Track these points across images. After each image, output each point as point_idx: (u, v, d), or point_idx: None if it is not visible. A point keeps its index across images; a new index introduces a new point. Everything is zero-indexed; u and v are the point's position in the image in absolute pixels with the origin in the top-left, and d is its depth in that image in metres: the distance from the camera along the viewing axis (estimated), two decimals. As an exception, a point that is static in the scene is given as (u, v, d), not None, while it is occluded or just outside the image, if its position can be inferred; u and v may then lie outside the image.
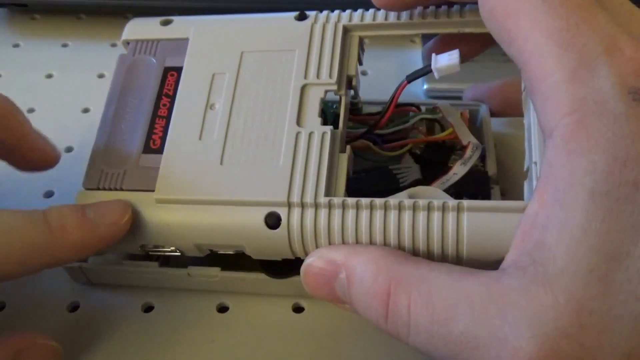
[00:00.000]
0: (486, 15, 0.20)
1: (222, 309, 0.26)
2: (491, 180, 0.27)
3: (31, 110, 0.36)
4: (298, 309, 0.26)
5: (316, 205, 0.21)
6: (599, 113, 0.17)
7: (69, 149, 0.33)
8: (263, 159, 0.22)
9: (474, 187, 0.26)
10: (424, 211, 0.20)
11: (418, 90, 0.35)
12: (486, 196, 0.26)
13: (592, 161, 0.17)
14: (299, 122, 0.23)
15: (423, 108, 0.29)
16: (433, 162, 0.28)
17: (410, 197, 0.22)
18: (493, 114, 0.29)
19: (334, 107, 0.28)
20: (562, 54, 0.18)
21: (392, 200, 0.21)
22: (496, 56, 0.36)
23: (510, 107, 0.27)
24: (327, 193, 0.22)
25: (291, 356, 0.24)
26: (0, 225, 0.21)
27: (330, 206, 0.21)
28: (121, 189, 0.23)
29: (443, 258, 0.21)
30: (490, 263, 0.20)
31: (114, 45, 0.40)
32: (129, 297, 0.26)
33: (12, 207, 0.30)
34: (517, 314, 0.17)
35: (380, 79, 0.36)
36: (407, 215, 0.21)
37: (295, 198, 0.21)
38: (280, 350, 0.24)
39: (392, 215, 0.21)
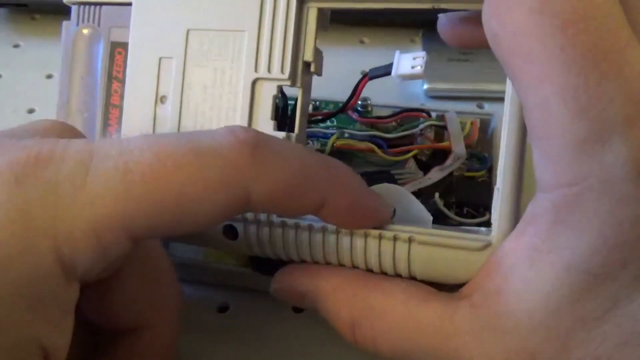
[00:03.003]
0: (490, 39, 0.17)
1: (222, 309, 0.26)
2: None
3: (31, 111, 0.36)
4: (298, 309, 0.26)
5: (269, 223, 0.21)
6: (600, 192, 0.15)
7: (69, 149, 0.33)
8: None
9: (476, 198, 0.26)
10: (374, 239, 0.20)
11: (418, 90, 0.35)
12: (488, 207, 0.26)
13: (578, 238, 0.16)
14: (250, 126, 0.21)
15: (433, 114, 0.29)
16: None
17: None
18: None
19: (327, 105, 0.29)
20: (573, 120, 0.15)
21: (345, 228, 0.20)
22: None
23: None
24: None
25: (291, 356, 0.24)
26: None
27: (283, 226, 0.21)
28: None
29: (397, 276, 0.21)
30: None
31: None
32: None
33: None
34: (467, 356, 0.17)
35: (380, 79, 0.36)
36: (358, 242, 0.20)
37: (249, 214, 0.21)
38: (280, 350, 0.24)
39: (344, 240, 0.20)
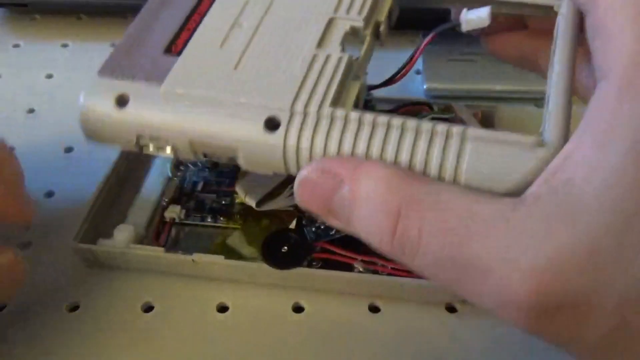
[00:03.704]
0: None
1: (222, 309, 0.26)
2: None
3: (31, 111, 0.36)
4: (298, 309, 0.26)
5: (318, 116, 0.21)
6: None
7: (68, 149, 0.33)
8: (276, 69, 0.22)
9: None
10: (426, 134, 0.19)
11: (418, 90, 0.35)
12: None
13: None
14: (319, 46, 0.23)
15: (435, 107, 0.30)
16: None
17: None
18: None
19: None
20: None
21: (396, 120, 0.20)
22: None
23: (525, 61, 0.26)
24: (333, 104, 0.21)
25: (291, 356, 0.24)
26: None
27: (332, 117, 0.20)
28: (132, 79, 0.23)
29: None
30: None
31: (113, 45, 0.40)
32: (129, 297, 0.26)
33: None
34: (533, 243, 0.16)
35: (380, 78, 0.36)
36: (408, 137, 0.20)
37: (299, 107, 0.21)
38: (279, 350, 0.24)
39: (394, 135, 0.20)
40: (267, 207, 0.27)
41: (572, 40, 0.21)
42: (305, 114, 0.21)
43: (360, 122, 0.20)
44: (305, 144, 0.20)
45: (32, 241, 0.29)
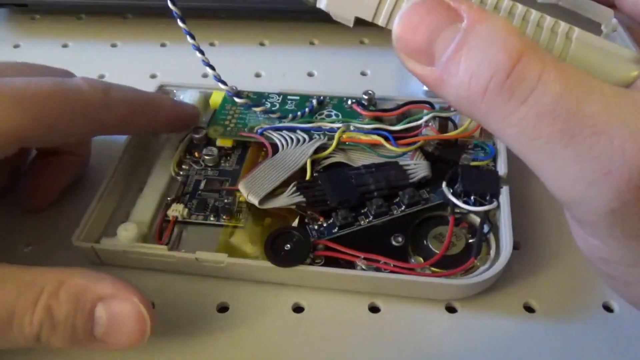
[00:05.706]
0: None
1: (222, 309, 0.26)
2: (501, 181, 0.27)
3: (31, 110, 0.36)
4: (298, 309, 0.26)
5: None
6: None
7: (69, 149, 0.33)
8: None
9: (483, 186, 0.27)
10: (532, 25, 0.19)
11: (418, 91, 0.35)
12: (495, 195, 0.26)
13: None
14: None
15: (437, 106, 0.30)
16: (444, 159, 0.29)
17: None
18: None
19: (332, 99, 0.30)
20: None
21: (505, 3, 0.19)
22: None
23: None
24: None
25: (291, 356, 0.24)
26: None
27: None
28: None
29: None
30: None
31: (114, 45, 0.40)
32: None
33: (12, 202, 0.30)
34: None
35: (380, 79, 0.37)
36: (515, 20, 0.19)
37: None
38: (279, 350, 0.24)
39: (500, 14, 0.19)
40: (269, 205, 0.27)
41: None
42: None
43: None
44: None
45: (33, 240, 0.29)
